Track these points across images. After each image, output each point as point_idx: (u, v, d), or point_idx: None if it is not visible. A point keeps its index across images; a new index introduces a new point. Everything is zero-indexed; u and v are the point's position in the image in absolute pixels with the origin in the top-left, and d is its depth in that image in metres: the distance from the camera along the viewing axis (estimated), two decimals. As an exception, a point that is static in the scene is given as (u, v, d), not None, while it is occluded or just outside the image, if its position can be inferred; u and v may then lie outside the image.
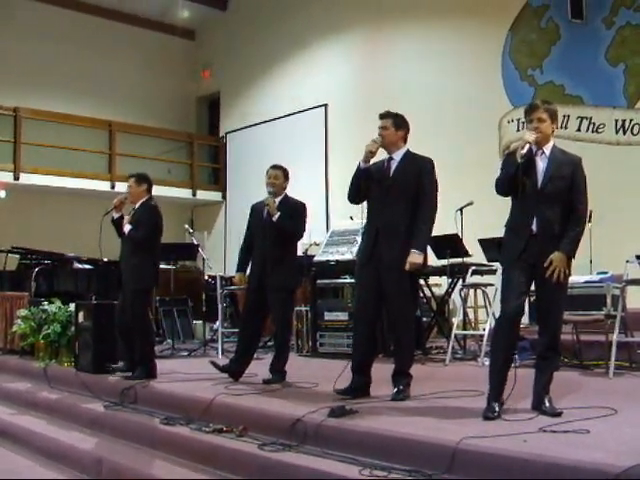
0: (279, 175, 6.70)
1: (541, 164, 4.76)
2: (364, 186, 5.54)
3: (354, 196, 5.70)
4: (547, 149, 4.80)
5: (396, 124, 5.68)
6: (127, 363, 7.16)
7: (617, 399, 5.03)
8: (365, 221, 5.73)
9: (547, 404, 4.61)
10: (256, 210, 6.73)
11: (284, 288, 6.47)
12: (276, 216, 6.43)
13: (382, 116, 5.77)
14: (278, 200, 6.58)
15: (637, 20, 10.46)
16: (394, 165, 5.60)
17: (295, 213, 6.59)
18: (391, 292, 5.41)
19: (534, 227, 4.69)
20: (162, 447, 5.26)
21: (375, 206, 5.59)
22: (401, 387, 5.42)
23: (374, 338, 5.71)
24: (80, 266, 9.85)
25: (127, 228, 7.07)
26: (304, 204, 6.74)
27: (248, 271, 6.77)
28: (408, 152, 5.69)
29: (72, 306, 7.96)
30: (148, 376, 6.76)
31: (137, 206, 7.30)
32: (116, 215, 7.25)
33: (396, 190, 5.48)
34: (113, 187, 15.37)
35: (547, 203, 4.68)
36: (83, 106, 15.78)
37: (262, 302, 6.49)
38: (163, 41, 18.02)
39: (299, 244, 6.89)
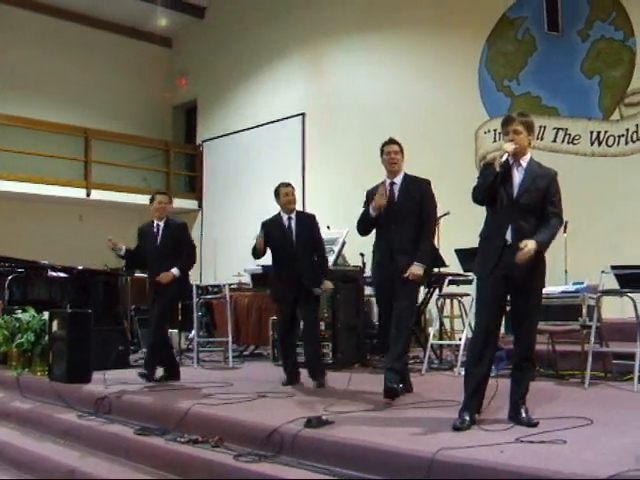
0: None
1: (517, 175, 4.79)
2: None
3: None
4: (524, 161, 4.83)
5: (402, 151, 6.19)
6: (167, 371, 7.38)
7: (593, 409, 5.05)
8: (375, 240, 6.20)
9: (524, 414, 4.61)
10: (372, 194, 6.29)
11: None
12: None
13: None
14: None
15: (611, 33, 10.55)
16: (397, 189, 6.07)
17: None
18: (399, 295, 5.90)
19: (508, 237, 4.71)
20: (137, 458, 5.20)
21: (385, 227, 6.02)
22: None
23: None
24: (54, 274, 9.75)
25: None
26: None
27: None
28: (406, 175, 6.12)
29: (46, 315, 7.87)
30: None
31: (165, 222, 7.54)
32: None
33: (402, 212, 5.97)
34: (89, 194, 15.26)
35: (521, 214, 4.71)
36: (59, 113, 15.66)
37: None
38: (140, 48, 17.95)
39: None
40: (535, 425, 4.46)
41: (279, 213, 7.12)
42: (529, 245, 4.52)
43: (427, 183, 6.13)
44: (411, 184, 6.08)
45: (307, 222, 7.14)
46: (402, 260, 5.91)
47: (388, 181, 6.11)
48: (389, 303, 6.00)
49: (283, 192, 7.07)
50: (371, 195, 6.16)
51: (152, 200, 7.57)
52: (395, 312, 5.90)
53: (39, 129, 14.89)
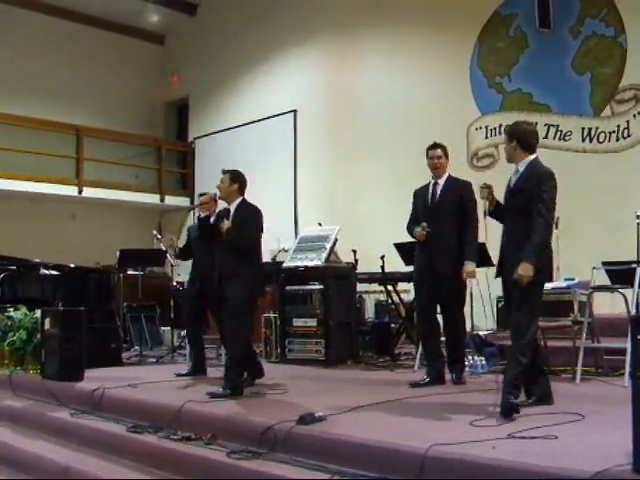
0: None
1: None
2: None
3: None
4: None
5: (445, 154, 6.67)
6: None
7: (584, 404, 5.07)
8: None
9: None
10: (418, 194, 6.76)
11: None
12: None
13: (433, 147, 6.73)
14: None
15: (602, 30, 10.58)
16: (439, 189, 6.53)
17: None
18: (446, 298, 6.45)
19: None
20: (130, 455, 5.20)
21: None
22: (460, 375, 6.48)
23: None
24: (46, 272, 9.72)
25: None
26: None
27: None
28: (450, 176, 6.60)
29: (38, 313, 7.86)
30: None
31: (234, 206, 6.45)
32: (203, 214, 6.95)
33: (442, 212, 6.44)
34: (80, 192, 15.23)
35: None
36: (50, 110, 15.59)
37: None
38: (132, 45, 17.91)
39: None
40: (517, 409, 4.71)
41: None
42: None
43: (469, 184, 6.54)
44: (453, 185, 6.53)
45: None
46: (441, 259, 6.34)
47: (432, 182, 6.61)
48: (426, 299, 6.51)
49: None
50: (417, 195, 6.71)
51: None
52: (444, 318, 6.56)
53: (30, 127, 14.84)
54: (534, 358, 5.03)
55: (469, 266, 6.29)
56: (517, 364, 4.88)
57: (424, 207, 6.57)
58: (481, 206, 5.62)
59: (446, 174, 6.59)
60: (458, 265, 6.33)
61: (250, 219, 6.29)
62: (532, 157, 5.16)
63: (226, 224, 6.20)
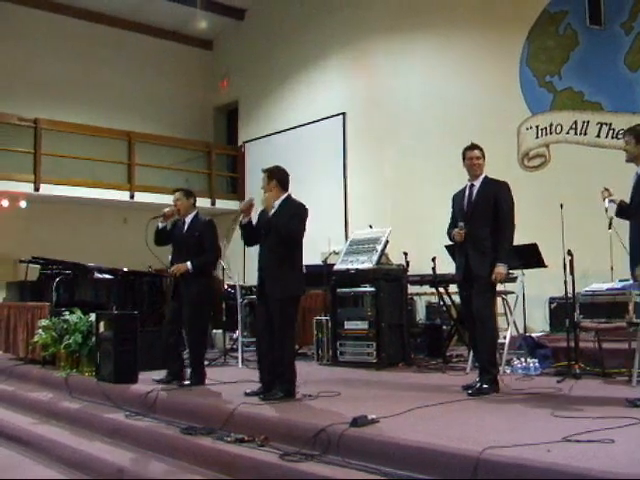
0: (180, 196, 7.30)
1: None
2: None
3: None
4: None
5: (483, 155, 6.56)
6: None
7: (641, 408, 4.98)
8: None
9: None
10: (456, 198, 6.71)
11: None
12: None
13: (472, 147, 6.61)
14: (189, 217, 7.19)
15: (656, 25, 10.41)
16: (475, 190, 6.45)
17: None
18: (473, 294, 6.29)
19: None
20: (183, 457, 5.25)
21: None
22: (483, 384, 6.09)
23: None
24: (100, 276, 9.87)
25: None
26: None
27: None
28: (486, 177, 6.50)
29: (92, 316, 7.98)
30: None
31: (278, 202, 6.34)
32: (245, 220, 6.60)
33: (477, 213, 6.35)
34: (132, 197, 15.46)
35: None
36: (102, 117, 15.89)
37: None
38: (181, 51, 18.14)
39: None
40: None
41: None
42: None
43: (504, 184, 6.43)
44: (488, 186, 6.42)
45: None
46: (474, 258, 6.27)
47: (468, 184, 6.53)
48: (467, 299, 6.39)
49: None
50: (455, 199, 6.67)
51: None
52: (475, 315, 6.27)
53: (83, 133, 15.11)
54: None
55: (500, 268, 6.17)
56: None
57: (461, 210, 6.49)
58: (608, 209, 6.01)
59: (483, 175, 6.50)
60: (493, 267, 6.21)
61: (297, 212, 6.23)
62: None
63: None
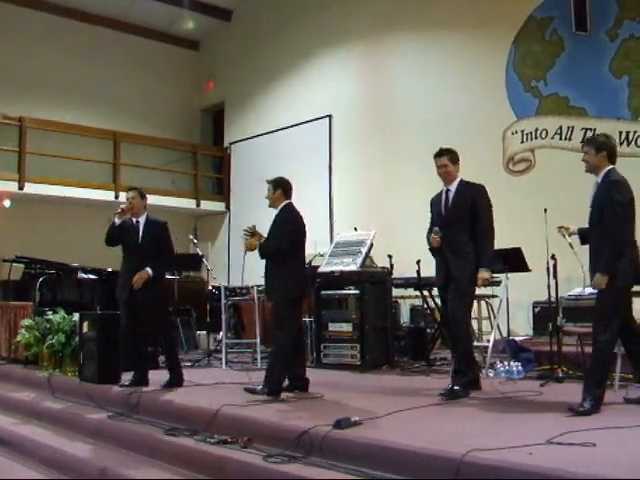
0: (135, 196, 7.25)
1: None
2: None
3: None
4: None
5: (452, 160, 6.49)
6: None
7: (622, 412, 5.02)
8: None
9: None
10: (434, 203, 6.69)
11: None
12: None
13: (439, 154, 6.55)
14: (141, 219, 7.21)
15: (641, 32, 10.48)
16: (451, 195, 6.42)
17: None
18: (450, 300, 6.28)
19: None
20: (166, 458, 5.25)
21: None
22: (454, 386, 6.08)
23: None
24: (84, 276, 9.84)
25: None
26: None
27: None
28: (461, 181, 6.49)
29: (76, 316, 7.95)
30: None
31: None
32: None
33: (455, 217, 6.33)
34: (117, 197, 15.37)
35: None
36: (88, 116, 15.80)
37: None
38: (168, 52, 18.08)
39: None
40: None
41: None
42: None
43: (480, 187, 6.42)
44: (464, 190, 6.40)
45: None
46: (454, 262, 6.24)
47: (444, 188, 6.50)
48: (447, 302, 6.36)
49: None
50: (433, 203, 6.63)
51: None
52: (449, 316, 6.31)
53: (69, 132, 15.03)
54: None
55: (484, 273, 6.17)
56: None
57: (439, 215, 6.48)
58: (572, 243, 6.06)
59: (457, 180, 6.46)
60: (474, 271, 6.20)
61: (284, 229, 6.49)
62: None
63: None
